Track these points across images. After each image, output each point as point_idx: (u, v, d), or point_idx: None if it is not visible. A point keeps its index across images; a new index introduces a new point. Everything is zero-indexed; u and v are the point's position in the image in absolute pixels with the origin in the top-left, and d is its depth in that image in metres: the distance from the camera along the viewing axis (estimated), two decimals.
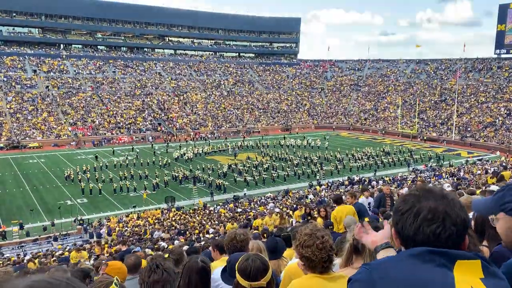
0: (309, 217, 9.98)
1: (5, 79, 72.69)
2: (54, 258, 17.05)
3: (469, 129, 69.85)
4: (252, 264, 2.35)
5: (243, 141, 63.57)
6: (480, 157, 53.44)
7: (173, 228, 24.97)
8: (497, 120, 69.21)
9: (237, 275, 2.36)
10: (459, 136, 68.23)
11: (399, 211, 1.43)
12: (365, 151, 54.64)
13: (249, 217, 22.16)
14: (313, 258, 2.54)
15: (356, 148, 57.38)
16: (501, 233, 1.92)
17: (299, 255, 2.63)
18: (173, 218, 29.37)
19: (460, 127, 70.91)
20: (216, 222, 25.00)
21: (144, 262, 8.31)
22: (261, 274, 2.33)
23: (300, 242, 2.60)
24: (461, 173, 33.30)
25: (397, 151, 57.47)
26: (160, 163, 48.24)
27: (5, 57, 78.22)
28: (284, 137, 66.01)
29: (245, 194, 38.31)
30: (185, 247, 11.03)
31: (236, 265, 2.40)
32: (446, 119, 74.98)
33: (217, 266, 3.25)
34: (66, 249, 22.09)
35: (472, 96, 79.92)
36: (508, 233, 1.89)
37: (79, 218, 31.84)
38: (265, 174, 44.39)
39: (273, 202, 30.21)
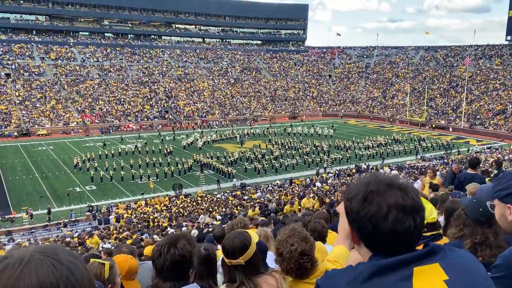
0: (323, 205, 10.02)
1: (13, 66, 73.06)
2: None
3: (478, 117, 69.15)
4: (231, 243, 2.36)
5: (250, 129, 63.56)
6: (489, 145, 53.02)
7: (181, 215, 25.18)
8: (507, 107, 68.38)
9: (222, 251, 2.41)
10: (468, 124, 67.60)
11: (365, 215, 1.27)
12: (375, 139, 54.38)
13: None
14: (283, 267, 2.54)
15: (366, 136, 57.00)
16: (497, 219, 1.97)
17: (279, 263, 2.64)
18: (181, 205, 29.61)
19: (470, 115, 70.22)
20: (224, 209, 25.14)
21: (150, 248, 8.38)
22: (239, 253, 2.33)
23: (276, 249, 2.62)
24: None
25: (407, 139, 57.16)
26: (166, 151, 48.36)
27: (13, 44, 78.50)
28: (291, 125, 65.86)
29: (234, 185, 38.11)
30: (194, 231, 11.10)
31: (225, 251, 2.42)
32: (455, 107, 74.25)
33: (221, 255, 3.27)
34: (76, 235, 22.40)
35: (482, 83, 78.94)
36: (501, 219, 1.93)
37: (88, 204, 32.19)
38: (274, 162, 44.39)
39: (261, 192, 30.57)
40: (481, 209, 2.51)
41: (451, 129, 66.54)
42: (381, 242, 1.27)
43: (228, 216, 16.28)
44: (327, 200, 10.18)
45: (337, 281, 1.29)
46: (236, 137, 57.96)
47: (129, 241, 15.35)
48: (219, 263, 3.01)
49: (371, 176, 1.36)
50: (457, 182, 7.45)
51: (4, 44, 78.08)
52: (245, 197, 29.43)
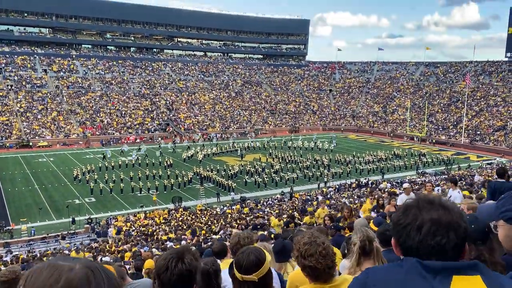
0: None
1: (16, 78, 73.48)
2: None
3: (478, 132, 69.24)
4: (246, 258, 2.32)
5: (250, 142, 63.59)
6: (490, 161, 52.96)
7: (180, 228, 25.03)
8: (507, 123, 68.51)
9: (234, 266, 2.36)
10: (468, 139, 67.65)
11: (401, 224, 1.41)
12: (375, 153, 54.38)
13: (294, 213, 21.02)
14: (318, 267, 2.47)
15: (366, 151, 56.98)
16: (502, 240, 1.94)
17: (301, 266, 2.55)
18: (180, 218, 29.46)
19: (470, 131, 70.32)
20: (223, 222, 24.98)
21: (151, 262, 8.32)
22: (254, 269, 2.30)
23: (301, 253, 2.52)
24: (476, 178, 32.89)
25: (408, 154, 57.15)
26: (166, 164, 48.30)
27: (16, 56, 79.10)
28: (291, 139, 65.91)
29: (232, 198, 38.04)
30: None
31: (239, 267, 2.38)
32: (455, 122, 74.40)
33: (224, 268, 3.23)
34: (73, 248, 22.25)
35: (482, 99, 79.23)
36: (506, 241, 1.90)
37: (88, 217, 32.03)
38: (275, 176, 44.31)
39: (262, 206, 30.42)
40: (473, 226, 2.49)
41: (450, 145, 66.60)
42: (415, 253, 1.35)
43: (258, 226, 15.91)
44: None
45: (386, 267, 1.42)
46: (236, 150, 57.97)
47: (127, 254, 15.26)
48: (225, 276, 2.98)
49: (418, 195, 1.51)
50: (491, 190, 7.50)
51: (7, 56, 78.70)
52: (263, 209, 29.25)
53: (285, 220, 15.28)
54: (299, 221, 14.53)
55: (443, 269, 1.29)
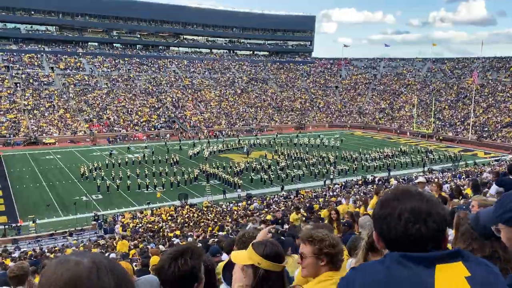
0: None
1: (23, 76, 73.97)
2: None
3: (486, 129, 68.69)
4: (270, 247, 2.25)
5: (256, 139, 63.58)
6: (498, 158, 52.55)
7: (186, 225, 25.14)
8: None
9: (265, 261, 2.21)
10: (475, 136, 67.15)
11: (380, 216, 1.43)
12: (382, 150, 54.15)
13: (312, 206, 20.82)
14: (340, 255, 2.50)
15: (373, 147, 56.79)
16: (505, 242, 1.91)
17: (329, 256, 2.46)
18: (186, 215, 29.57)
19: (477, 127, 69.79)
20: (229, 219, 25.05)
21: (156, 258, 8.35)
22: (279, 259, 2.27)
23: (328, 243, 2.46)
24: (484, 175, 32.65)
25: (414, 150, 56.85)
26: (173, 161, 48.42)
27: (23, 54, 79.61)
28: (297, 136, 65.78)
29: (239, 195, 37.92)
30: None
31: (259, 251, 2.28)
32: (463, 119, 73.88)
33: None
34: (81, 245, 22.42)
35: (490, 95, 78.57)
36: (509, 244, 1.88)
37: (96, 213, 32.24)
38: (281, 173, 44.28)
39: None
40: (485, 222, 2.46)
41: (457, 141, 66.17)
42: (397, 244, 1.38)
43: (279, 220, 15.70)
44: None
45: (371, 264, 1.42)
46: (242, 147, 57.99)
47: (132, 251, 15.35)
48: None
49: (394, 187, 1.54)
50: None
51: (15, 54, 79.26)
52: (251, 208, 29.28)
53: (305, 214, 15.22)
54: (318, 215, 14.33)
55: (425, 259, 1.31)
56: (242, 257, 2.28)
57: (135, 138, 65.49)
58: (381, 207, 1.44)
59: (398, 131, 76.43)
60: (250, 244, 2.32)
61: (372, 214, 1.50)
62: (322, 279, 2.42)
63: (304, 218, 14.19)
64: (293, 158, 51.13)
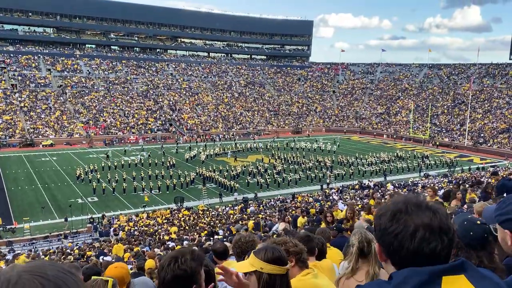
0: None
1: (20, 77, 73.73)
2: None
3: (482, 135, 68.98)
4: (272, 251, 2.25)
5: (253, 143, 63.54)
6: (493, 164, 52.76)
7: (182, 228, 25.03)
8: (511, 126, 68.21)
9: (267, 265, 2.20)
10: (471, 142, 67.41)
11: (390, 233, 1.35)
12: (378, 155, 54.25)
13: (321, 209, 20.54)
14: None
15: (369, 152, 56.85)
16: (500, 241, 1.95)
17: (295, 255, 2.87)
18: (182, 218, 29.47)
19: (473, 133, 70.07)
20: (227, 223, 24.99)
21: (151, 262, 8.31)
22: (281, 262, 2.25)
23: (291, 244, 2.90)
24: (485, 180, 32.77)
25: (411, 156, 57.00)
26: (169, 164, 48.30)
27: (20, 56, 79.37)
28: (294, 140, 65.84)
29: (235, 199, 37.94)
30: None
31: (260, 256, 2.27)
32: (459, 125, 74.17)
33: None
34: (76, 247, 22.30)
35: (486, 101, 78.96)
36: (502, 244, 1.93)
37: (91, 216, 32.10)
38: (277, 177, 44.25)
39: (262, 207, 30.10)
40: (471, 233, 2.45)
41: (453, 147, 66.39)
42: (407, 261, 1.32)
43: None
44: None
45: (379, 284, 1.38)
46: (239, 151, 57.72)
47: (127, 254, 15.26)
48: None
49: (401, 196, 1.44)
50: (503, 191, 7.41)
51: (12, 55, 79.02)
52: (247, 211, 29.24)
53: (313, 218, 15.09)
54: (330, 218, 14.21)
55: (433, 273, 1.29)
56: (244, 265, 2.28)
57: (130, 142, 65.12)
58: (392, 221, 1.37)
59: (395, 136, 76.63)
60: (252, 252, 2.32)
61: (377, 226, 1.42)
62: (304, 274, 2.83)
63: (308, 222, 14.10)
64: (290, 162, 51.16)
